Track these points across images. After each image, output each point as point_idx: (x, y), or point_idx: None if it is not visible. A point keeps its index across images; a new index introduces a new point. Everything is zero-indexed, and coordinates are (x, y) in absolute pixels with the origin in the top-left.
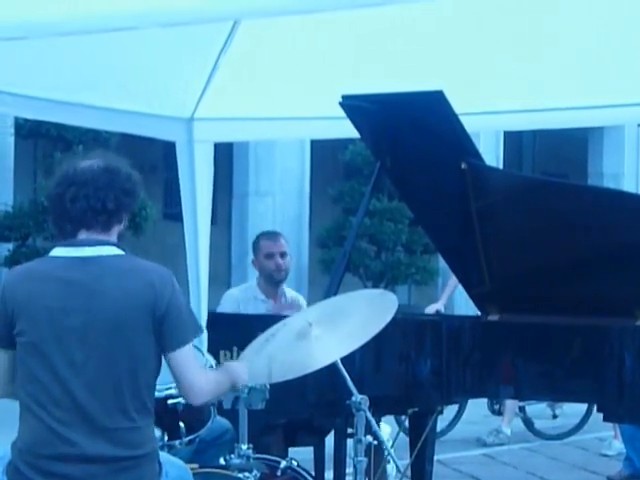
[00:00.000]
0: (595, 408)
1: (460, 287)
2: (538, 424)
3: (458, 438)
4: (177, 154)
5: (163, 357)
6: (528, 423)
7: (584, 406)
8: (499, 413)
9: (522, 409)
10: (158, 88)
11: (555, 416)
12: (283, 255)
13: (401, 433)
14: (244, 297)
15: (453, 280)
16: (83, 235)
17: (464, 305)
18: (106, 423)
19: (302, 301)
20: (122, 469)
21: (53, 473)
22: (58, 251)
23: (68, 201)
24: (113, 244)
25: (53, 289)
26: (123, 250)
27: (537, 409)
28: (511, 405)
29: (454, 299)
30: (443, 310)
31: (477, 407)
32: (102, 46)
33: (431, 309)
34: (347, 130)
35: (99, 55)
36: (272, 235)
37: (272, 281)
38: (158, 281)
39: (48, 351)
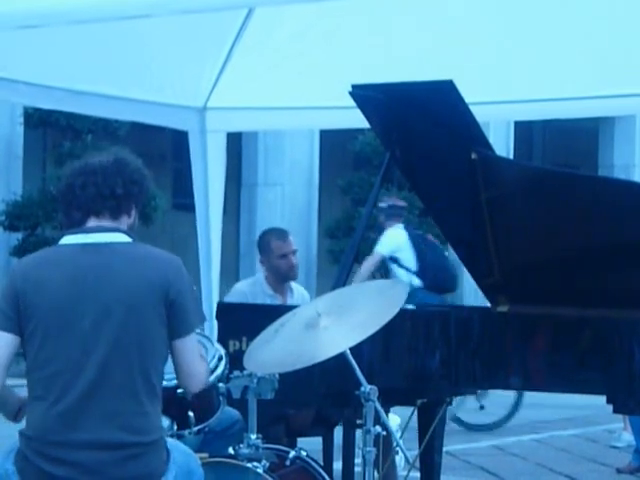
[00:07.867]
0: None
1: (469, 277)
2: (464, 416)
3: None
4: (190, 144)
5: None
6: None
7: (511, 398)
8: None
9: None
10: (171, 77)
11: (482, 407)
12: (295, 252)
13: (412, 423)
14: (252, 291)
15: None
16: (92, 223)
17: (473, 295)
18: (116, 407)
19: (307, 296)
20: (130, 456)
21: (61, 460)
22: (67, 239)
23: (78, 188)
24: (122, 231)
25: (64, 274)
26: (132, 238)
27: (462, 400)
28: None
29: (463, 289)
30: None
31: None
32: (115, 35)
33: None
34: (357, 120)
35: (112, 44)
36: (281, 234)
37: (286, 280)
38: (169, 268)
39: (60, 336)
